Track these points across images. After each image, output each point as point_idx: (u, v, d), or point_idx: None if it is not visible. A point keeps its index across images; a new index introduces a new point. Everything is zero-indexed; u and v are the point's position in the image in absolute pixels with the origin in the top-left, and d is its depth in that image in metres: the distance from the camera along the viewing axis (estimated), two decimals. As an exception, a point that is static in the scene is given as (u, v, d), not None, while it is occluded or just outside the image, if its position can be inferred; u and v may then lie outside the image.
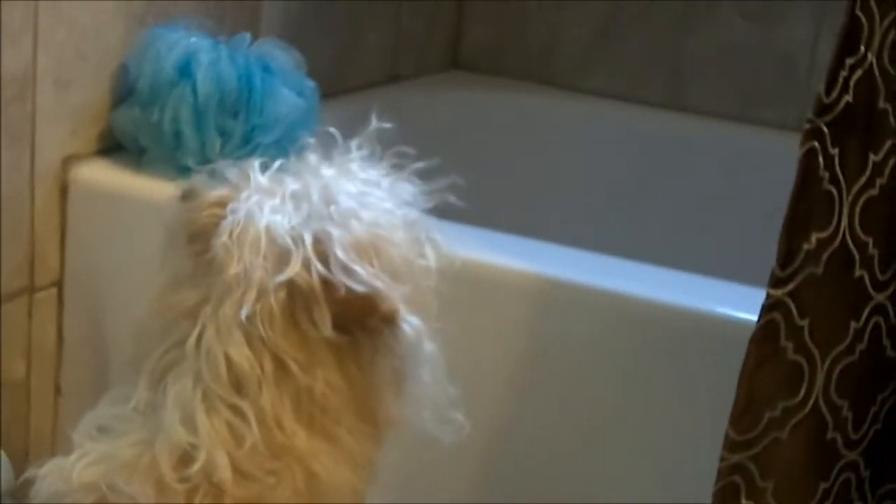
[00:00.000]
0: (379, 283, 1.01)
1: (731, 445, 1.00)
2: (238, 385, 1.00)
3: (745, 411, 1.00)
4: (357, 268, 1.00)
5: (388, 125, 1.17)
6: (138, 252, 1.58)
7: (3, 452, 1.47)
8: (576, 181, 2.18)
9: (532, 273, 1.40)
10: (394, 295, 1.01)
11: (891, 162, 1.01)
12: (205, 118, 1.52)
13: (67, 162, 1.59)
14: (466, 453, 1.37)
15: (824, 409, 1.01)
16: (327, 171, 1.10)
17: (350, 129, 2.01)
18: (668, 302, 1.35)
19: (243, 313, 1.00)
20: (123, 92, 1.59)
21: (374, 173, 1.11)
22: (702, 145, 2.13)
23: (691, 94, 2.21)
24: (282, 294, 1.01)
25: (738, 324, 1.25)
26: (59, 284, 1.63)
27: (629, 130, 2.18)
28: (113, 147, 1.62)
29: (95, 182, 1.59)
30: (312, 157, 1.13)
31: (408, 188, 1.12)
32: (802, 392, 1.00)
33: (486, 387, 1.40)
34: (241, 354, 1.00)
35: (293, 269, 1.00)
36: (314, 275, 1.00)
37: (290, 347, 1.00)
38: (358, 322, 1.01)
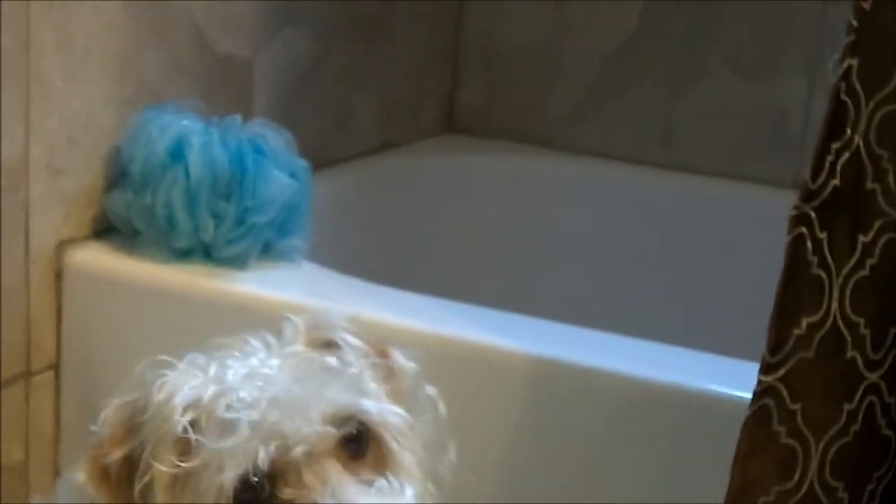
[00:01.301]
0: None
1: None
2: None
3: (739, 496, 1.00)
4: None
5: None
6: (133, 334, 1.59)
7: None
8: (570, 241, 2.18)
9: (524, 353, 1.40)
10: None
11: (881, 241, 1.01)
12: (197, 201, 1.52)
13: (61, 247, 1.60)
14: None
15: (819, 492, 1.00)
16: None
17: (345, 199, 2.03)
18: (661, 380, 1.35)
19: None
20: (116, 175, 1.59)
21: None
22: (696, 204, 2.14)
23: (685, 152, 2.21)
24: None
25: (732, 401, 1.25)
26: (55, 368, 1.63)
27: (623, 189, 2.18)
28: (107, 230, 1.62)
29: (90, 266, 1.60)
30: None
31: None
32: (797, 476, 0.99)
33: (477, 465, 1.40)
34: None
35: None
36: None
37: None
38: None
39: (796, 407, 0.99)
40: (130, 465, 0.97)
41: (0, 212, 1.51)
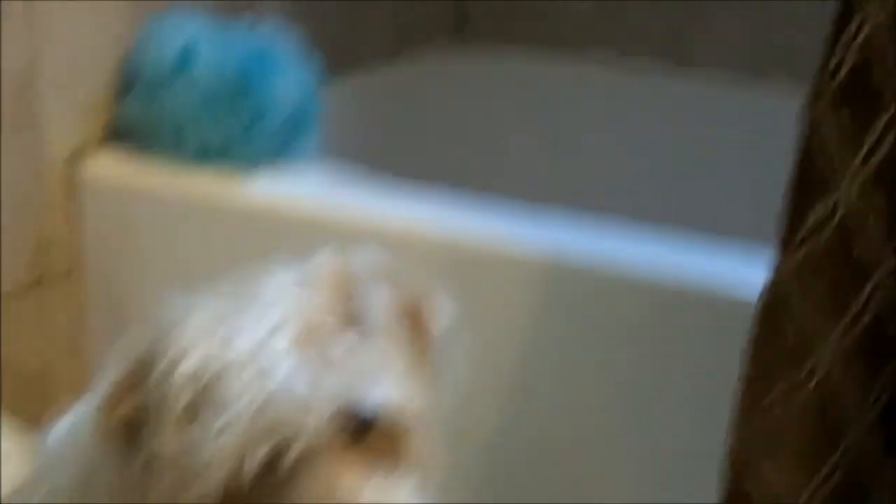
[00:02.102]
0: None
1: (737, 422, 1.01)
2: None
3: (749, 387, 1.01)
4: None
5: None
6: (147, 239, 1.60)
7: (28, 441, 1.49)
8: (585, 143, 2.18)
9: (538, 248, 1.41)
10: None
11: (889, 137, 1.00)
12: (209, 105, 1.52)
13: (75, 155, 1.60)
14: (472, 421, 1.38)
15: (828, 384, 1.01)
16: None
17: (357, 103, 2.02)
18: (668, 273, 1.35)
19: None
20: (128, 82, 1.59)
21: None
22: (710, 106, 2.13)
23: (698, 58, 2.20)
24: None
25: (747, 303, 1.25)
26: (71, 276, 1.64)
27: (636, 92, 2.17)
28: (119, 137, 1.62)
29: (103, 174, 1.60)
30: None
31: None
32: (807, 368, 1.00)
33: (491, 358, 1.41)
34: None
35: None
36: None
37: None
38: None
39: (805, 299, 0.99)
40: (136, 424, 0.93)
41: (14, 121, 1.51)
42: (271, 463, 0.89)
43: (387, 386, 0.93)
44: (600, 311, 1.40)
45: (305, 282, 0.95)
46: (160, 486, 0.92)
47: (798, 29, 2.15)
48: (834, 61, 0.96)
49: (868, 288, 1.01)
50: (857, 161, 0.98)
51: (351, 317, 0.94)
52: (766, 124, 2.02)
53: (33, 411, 1.61)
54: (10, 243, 1.53)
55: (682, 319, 1.35)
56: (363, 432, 0.92)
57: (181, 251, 1.58)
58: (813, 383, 1.00)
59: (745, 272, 1.33)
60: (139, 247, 1.60)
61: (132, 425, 0.93)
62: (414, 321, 0.98)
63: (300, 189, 1.54)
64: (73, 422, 1.04)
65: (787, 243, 0.98)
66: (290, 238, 1.48)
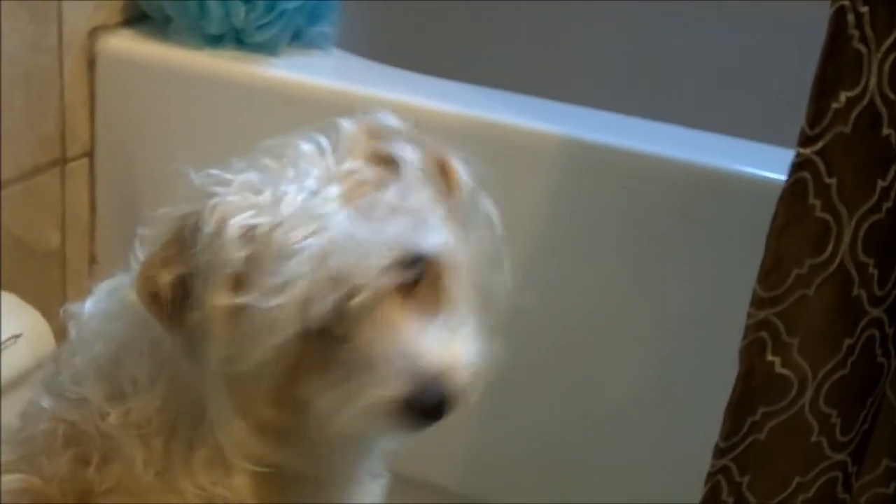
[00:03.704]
0: None
1: (758, 302, 1.02)
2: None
3: (772, 269, 1.01)
4: None
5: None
6: (166, 120, 1.60)
7: (43, 321, 1.50)
8: (601, 39, 2.17)
9: (557, 134, 1.41)
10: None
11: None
12: (228, -12, 1.52)
13: (94, 33, 1.59)
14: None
15: (851, 266, 1.02)
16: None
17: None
18: (696, 161, 1.35)
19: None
20: (148, -39, 1.58)
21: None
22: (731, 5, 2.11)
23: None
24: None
25: (767, 183, 1.26)
26: (90, 154, 1.64)
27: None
28: (139, 17, 1.62)
29: (122, 53, 1.60)
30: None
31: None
32: (829, 249, 1.01)
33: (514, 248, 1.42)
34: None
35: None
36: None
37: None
38: None
39: (832, 181, 1.00)
40: (182, 290, 0.92)
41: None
42: (338, 311, 0.89)
43: (439, 230, 0.94)
44: (618, 195, 1.41)
45: (338, 142, 0.95)
46: (213, 348, 0.91)
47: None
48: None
49: (894, 169, 1.02)
50: (884, 49, 0.99)
51: (388, 170, 0.94)
52: (794, 26, 2.02)
53: (48, 290, 1.63)
54: (30, 121, 1.53)
55: (706, 201, 1.36)
56: (419, 278, 0.93)
57: (196, 130, 1.58)
58: (835, 265, 1.01)
59: (765, 161, 1.34)
60: (155, 126, 1.60)
61: (178, 290, 0.92)
62: (444, 174, 0.98)
63: (317, 71, 1.54)
64: (109, 292, 1.04)
65: (815, 125, 0.98)
66: (306, 120, 1.48)
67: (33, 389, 1.06)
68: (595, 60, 2.15)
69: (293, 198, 0.90)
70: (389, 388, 0.90)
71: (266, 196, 0.91)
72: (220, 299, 0.90)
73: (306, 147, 0.95)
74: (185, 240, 0.92)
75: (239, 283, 0.90)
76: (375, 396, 0.90)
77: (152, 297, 0.93)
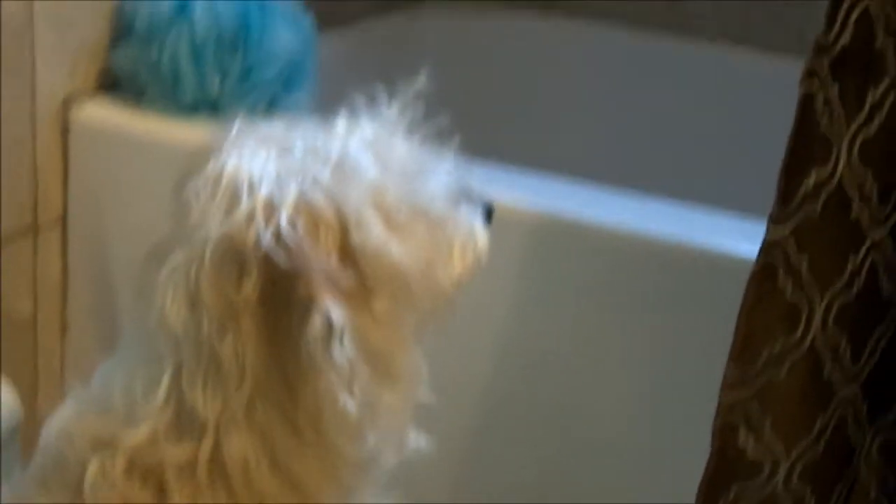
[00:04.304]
0: (314, 264, 0.93)
1: (730, 382, 1.02)
2: (167, 336, 0.97)
3: (743, 349, 1.01)
4: (292, 239, 0.93)
5: (420, 88, 1.09)
6: (139, 189, 1.59)
7: (12, 389, 1.49)
8: (575, 105, 2.18)
9: (529, 209, 1.41)
10: (322, 280, 0.92)
11: (890, 98, 1.01)
12: (203, 56, 1.52)
13: (68, 101, 1.59)
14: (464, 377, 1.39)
15: (822, 344, 1.02)
16: (363, 134, 1.03)
17: (347, 59, 2.02)
18: (665, 236, 1.35)
19: (175, 261, 0.96)
20: (122, 30, 1.58)
21: (387, 138, 1.03)
22: (703, 68, 2.13)
23: (689, 10, 2.19)
24: (220, 246, 0.95)
25: (738, 259, 1.26)
26: (62, 222, 1.64)
27: (627, 51, 2.17)
28: (113, 85, 1.62)
29: (96, 120, 1.60)
30: (342, 122, 1.04)
31: (447, 165, 1.05)
32: (801, 329, 1.01)
33: (483, 321, 1.41)
34: (172, 308, 0.95)
35: (231, 221, 0.94)
36: (251, 233, 0.93)
37: (210, 304, 0.95)
38: (284, 296, 0.94)
39: (802, 261, 1.00)
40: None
41: (7, 66, 1.50)
42: None
43: None
44: (586, 269, 1.41)
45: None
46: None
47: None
48: (831, 36, 0.97)
49: (864, 249, 1.02)
50: (853, 130, 1.00)
51: None
52: (762, 84, 2.03)
53: (19, 357, 1.61)
54: (2, 188, 1.53)
55: (676, 279, 1.36)
56: None
57: (167, 199, 1.57)
58: (806, 345, 1.01)
59: (743, 236, 1.34)
60: (128, 194, 1.60)
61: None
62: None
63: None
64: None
65: (784, 207, 0.99)
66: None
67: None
68: (567, 120, 2.17)
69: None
70: None
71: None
72: None
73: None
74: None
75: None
76: None
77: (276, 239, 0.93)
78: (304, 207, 0.95)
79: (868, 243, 1.03)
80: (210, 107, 1.55)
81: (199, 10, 1.51)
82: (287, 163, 0.98)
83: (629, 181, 1.56)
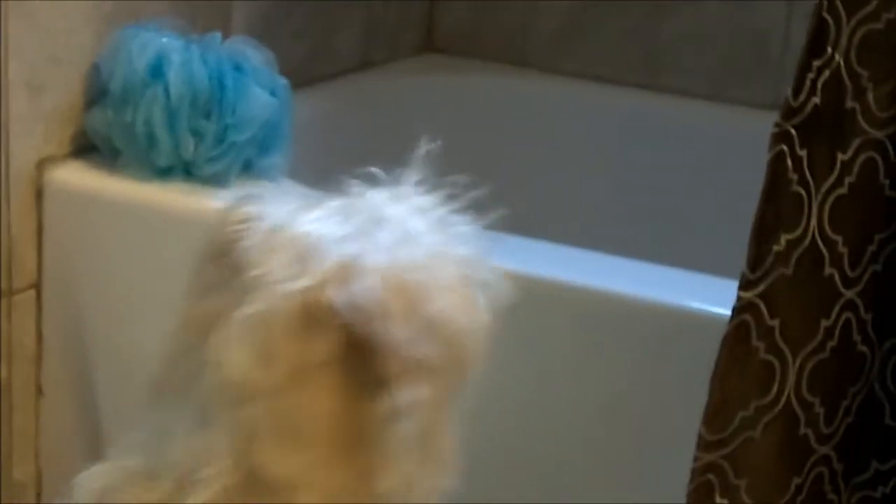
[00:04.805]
0: (393, 334, 0.92)
1: (704, 445, 1.02)
2: (233, 395, 0.95)
3: (718, 412, 1.01)
4: (369, 304, 0.92)
5: (435, 148, 1.08)
6: (114, 252, 1.59)
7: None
8: (552, 163, 2.19)
9: (506, 270, 1.40)
10: (404, 353, 0.92)
11: (859, 160, 1.02)
12: (178, 119, 1.52)
13: (42, 165, 1.59)
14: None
15: (796, 406, 1.02)
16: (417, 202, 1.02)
17: (324, 119, 2.02)
18: (639, 297, 1.35)
19: (248, 312, 0.93)
20: (96, 93, 1.58)
21: (429, 205, 1.03)
22: (678, 126, 2.14)
23: (666, 75, 2.21)
24: (293, 303, 0.93)
25: (711, 318, 1.26)
26: (37, 286, 1.63)
27: (606, 111, 2.18)
28: (87, 148, 1.62)
29: (70, 184, 1.59)
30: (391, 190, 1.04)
31: (465, 227, 1.04)
32: (774, 391, 1.01)
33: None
34: (240, 366, 0.94)
35: (307, 281, 0.93)
36: (328, 295, 0.92)
37: (285, 361, 0.94)
38: (358, 358, 0.93)
39: (774, 323, 1.00)
40: None
41: (-21, 130, 1.51)
42: None
43: None
44: (561, 329, 1.41)
45: None
46: None
47: (766, 53, 2.18)
48: (800, 99, 0.98)
49: (838, 308, 1.03)
50: (824, 191, 1.00)
51: None
52: (732, 144, 2.04)
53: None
54: (-25, 253, 1.53)
55: (650, 340, 1.36)
56: None
57: (145, 263, 1.57)
58: (780, 407, 1.01)
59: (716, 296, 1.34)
60: (103, 258, 1.59)
61: None
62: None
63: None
64: None
65: (756, 269, 0.99)
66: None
67: None
68: (544, 179, 2.17)
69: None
70: None
71: None
72: None
73: None
74: None
75: None
76: None
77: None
78: (384, 274, 0.94)
79: (842, 302, 1.04)
80: (184, 170, 1.55)
81: (174, 73, 1.52)
82: (354, 226, 0.98)
83: (607, 240, 1.57)
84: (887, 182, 1.04)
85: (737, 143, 2.03)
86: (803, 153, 0.99)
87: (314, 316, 0.93)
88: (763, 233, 0.99)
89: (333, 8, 2.09)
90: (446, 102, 2.22)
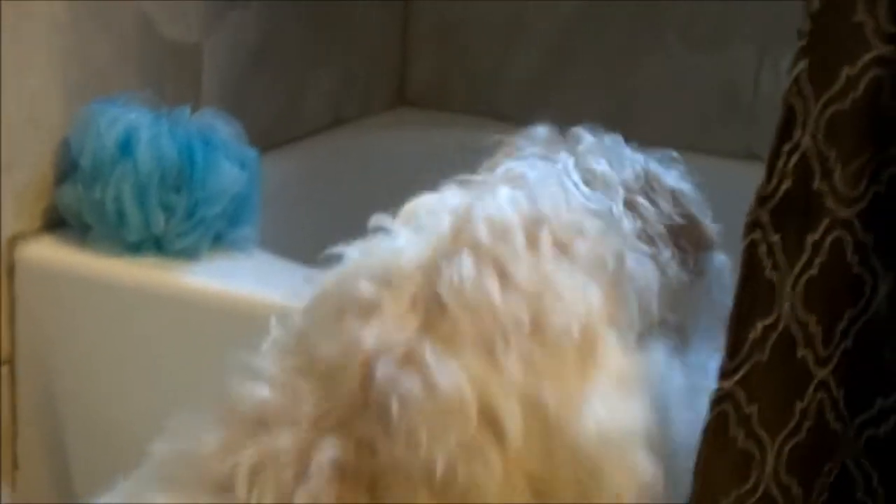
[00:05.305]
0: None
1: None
2: None
3: (699, 501, 1.01)
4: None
5: None
6: (87, 328, 1.58)
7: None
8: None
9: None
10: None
11: (828, 240, 1.02)
12: (147, 194, 1.52)
13: (13, 241, 1.59)
14: None
15: (775, 491, 1.02)
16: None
17: (298, 178, 2.02)
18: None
19: None
20: (66, 169, 1.58)
21: None
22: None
23: (639, 124, 2.21)
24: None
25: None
26: (10, 361, 1.62)
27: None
28: (58, 224, 1.61)
29: (42, 260, 1.59)
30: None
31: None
32: (753, 478, 1.00)
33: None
34: None
35: None
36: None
37: None
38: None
39: (752, 409, 1.00)
40: None
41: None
42: None
43: None
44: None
45: None
46: None
47: (737, 102, 2.18)
48: (771, 185, 0.98)
49: (811, 389, 1.03)
50: (796, 273, 1.00)
51: None
52: (703, 192, 2.04)
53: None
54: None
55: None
56: None
57: (117, 338, 1.57)
58: (759, 494, 1.01)
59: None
60: (76, 333, 1.59)
61: None
62: None
63: (237, 278, 1.53)
64: None
65: (734, 358, 0.99)
66: (227, 328, 1.47)
67: None
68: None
69: None
70: None
71: None
72: None
73: None
74: None
75: None
76: None
77: None
78: None
79: (815, 382, 1.03)
80: (155, 244, 1.54)
81: (143, 149, 1.51)
82: None
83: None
84: (855, 259, 1.04)
85: (708, 193, 2.03)
86: (776, 238, 0.99)
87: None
88: (740, 321, 0.99)
89: (305, 68, 2.09)
90: (419, 156, 2.22)
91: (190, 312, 1.50)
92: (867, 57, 0.98)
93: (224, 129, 1.58)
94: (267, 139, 1.98)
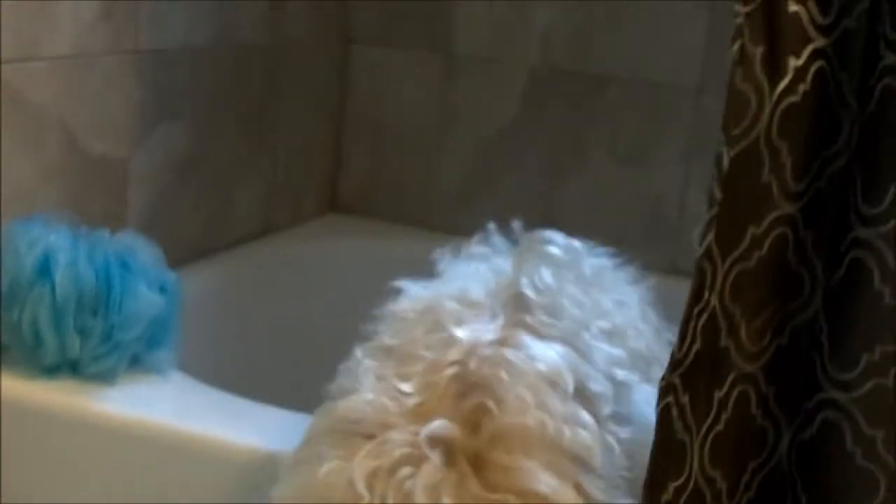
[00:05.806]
0: None
1: None
2: None
3: None
4: None
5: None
6: (3, 451, 1.55)
7: None
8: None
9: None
10: None
11: (734, 394, 1.03)
12: (64, 318, 1.50)
13: (-75, 361, 1.56)
14: None
15: None
16: None
17: (225, 288, 2.01)
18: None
19: None
20: (-15, 289, 1.56)
21: None
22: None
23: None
24: None
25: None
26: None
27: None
28: (-27, 344, 1.59)
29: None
30: None
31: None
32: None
33: None
34: None
35: None
36: None
37: None
38: None
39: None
40: None
41: None
42: None
43: None
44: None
45: None
46: None
47: (663, 217, 2.20)
48: (683, 349, 0.99)
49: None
50: (704, 431, 1.01)
51: None
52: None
53: None
54: None
55: None
56: None
57: (32, 464, 1.54)
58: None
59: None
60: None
61: None
62: None
63: (152, 404, 1.51)
64: None
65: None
66: (141, 455, 1.46)
67: None
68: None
69: None
70: None
71: None
72: None
73: None
74: None
75: None
76: None
77: None
78: None
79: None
80: (71, 368, 1.53)
81: (60, 273, 1.50)
82: None
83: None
84: (759, 412, 1.05)
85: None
86: (685, 399, 1.00)
87: None
88: (654, 485, 1.00)
89: (234, 178, 2.09)
90: (345, 265, 2.22)
91: (104, 437, 1.48)
92: (772, 216, 0.99)
93: (144, 251, 1.57)
94: (196, 248, 1.98)
